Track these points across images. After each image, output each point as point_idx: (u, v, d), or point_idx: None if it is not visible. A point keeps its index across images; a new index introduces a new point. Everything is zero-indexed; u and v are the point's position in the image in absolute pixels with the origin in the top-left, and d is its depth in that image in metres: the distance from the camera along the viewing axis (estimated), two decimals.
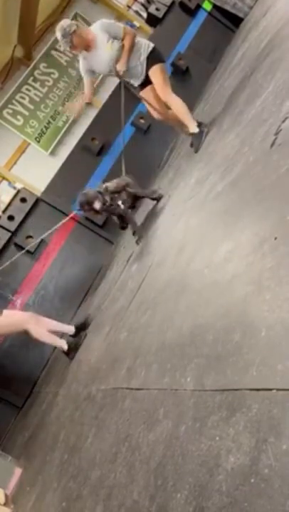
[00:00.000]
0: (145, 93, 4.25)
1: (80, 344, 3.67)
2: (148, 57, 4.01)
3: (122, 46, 3.91)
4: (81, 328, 3.86)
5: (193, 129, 3.90)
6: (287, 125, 1.81)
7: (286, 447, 0.74)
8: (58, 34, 3.89)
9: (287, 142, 1.69)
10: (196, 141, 3.83)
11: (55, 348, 5.10)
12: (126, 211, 3.93)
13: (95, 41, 3.91)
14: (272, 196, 1.46)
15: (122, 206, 3.86)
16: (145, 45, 4.03)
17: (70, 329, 3.88)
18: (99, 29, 3.89)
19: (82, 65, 4.19)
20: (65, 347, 3.66)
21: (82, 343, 3.64)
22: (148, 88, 4.18)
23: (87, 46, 3.95)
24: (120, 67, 3.94)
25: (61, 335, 3.90)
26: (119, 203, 3.85)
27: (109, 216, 4.37)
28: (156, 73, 4.02)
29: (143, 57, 4.00)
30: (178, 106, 4.05)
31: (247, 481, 0.79)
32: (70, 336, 3.86)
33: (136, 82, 4.20)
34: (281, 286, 1.04)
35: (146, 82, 4.13)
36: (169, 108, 4.25)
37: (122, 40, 3.89)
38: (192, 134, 3.91)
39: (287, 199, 1.34)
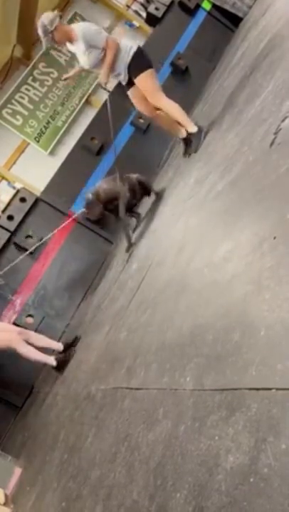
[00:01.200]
0: (132, 92, 4.07)
1: (69, 360, 3.76)
2: (130, 65, 3.82)
3: (103, 57, 3.78)
4: (70, 346, 3.92)
5: (192, 128, 3.83)
6: (286, 124, 1.81)
7: (285, 447, 0.74)
8: (40, 31, 3.79)
9: (286, 141, 1.69)
10: (196, 141, 3.78)
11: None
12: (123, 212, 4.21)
13: (76, 40, 3.79)
14: (272, 196, 1.46)
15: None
16: (126, 52, 3.81)
17: (59, 346, 3.96)
18: (80, 35, 3.76)
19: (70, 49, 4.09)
20: (54, 363, 3.76)
21: (71, 359, 3.72)
22: (135, 87, 3.99)
23: (70, 39, 3.85)
24: (102, 79, 3.82)
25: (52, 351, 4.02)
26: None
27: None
28: (142, 83, 3.86)
29: (124, 64, 3.83)
30: (173, 110, 3.93)
31: (246, 480, 0.79)
32: (59, 352, 3.94)
33: (123, 82, 4.05)
34: (281, 286, 1.04)
35: (132, 81, 3.95)
36: (158, 109, 4.08)
37: (103, 50, 3.76)
38: (190, 135, 3.84)
39: (287, 198, 1.34)
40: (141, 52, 3.88)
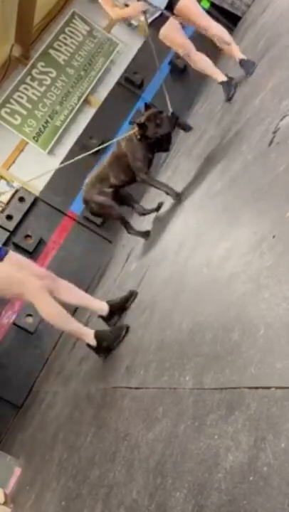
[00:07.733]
0: (179, 10, 3.59)
1: (116, 340, 2.29)
2: None
3: None
4: (119, 308, 2.53)
5: (240, 55, 3.47)
6: (285, 123, 1.81)
7: (285, 445, 0.74)
8: None
9: (285, 141, 1.69)
10: (247, 67, 3.40)
11: (55, 346, 5.10)
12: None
13: None
14: (271, 194, 1.46)
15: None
16: None
17: (102, 308, 2.52)
18: None
19: None
20: (92, 342, 2.38)
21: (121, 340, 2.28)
22: (169, 22, 3.66)
23: None
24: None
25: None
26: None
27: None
28: (187, 5, 3.53)
29: None
30: (221, 33, 3.58)
31: (246, 479, 0.79)
32: (102, 317, 2.57)
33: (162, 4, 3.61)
34: (280, 285, 1.04)
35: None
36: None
37: None
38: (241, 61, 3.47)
39: (286, 197, 1.34)
40: None
